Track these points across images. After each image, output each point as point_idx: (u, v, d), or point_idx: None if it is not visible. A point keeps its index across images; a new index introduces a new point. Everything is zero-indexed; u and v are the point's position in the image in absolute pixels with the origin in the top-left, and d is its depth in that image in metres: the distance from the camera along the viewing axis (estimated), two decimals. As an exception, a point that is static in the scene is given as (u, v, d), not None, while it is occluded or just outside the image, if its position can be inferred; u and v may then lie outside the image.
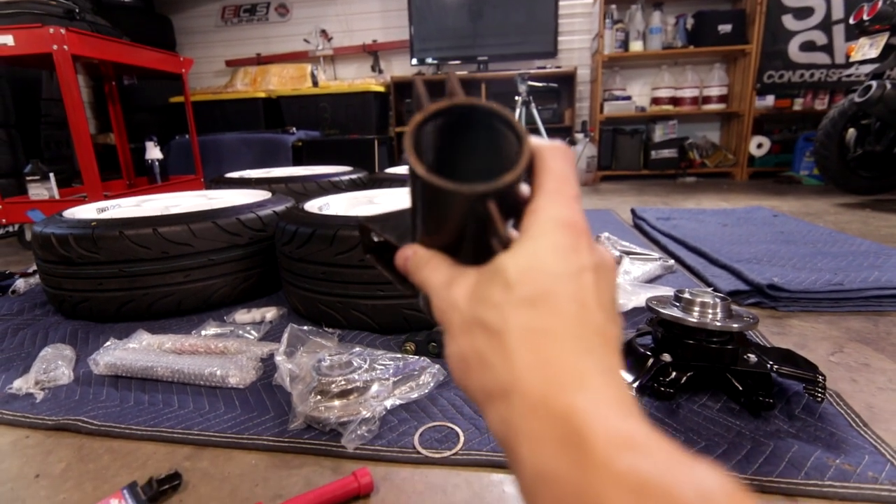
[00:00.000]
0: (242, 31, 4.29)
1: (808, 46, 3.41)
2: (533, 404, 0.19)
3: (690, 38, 3.56)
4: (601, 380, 0.19)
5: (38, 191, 2.25)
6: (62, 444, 0.77)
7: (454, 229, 0.26)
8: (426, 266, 0.27)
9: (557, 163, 0.25)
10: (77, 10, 2.26)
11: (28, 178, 2.28)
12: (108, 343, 1.02)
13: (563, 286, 0.21)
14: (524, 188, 0.26)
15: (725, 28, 3.45)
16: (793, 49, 3.43)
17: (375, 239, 0.36)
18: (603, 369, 0.20)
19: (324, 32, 4.02)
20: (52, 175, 2.27)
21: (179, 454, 0.73)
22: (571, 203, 0.24)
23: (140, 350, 0.98)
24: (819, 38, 3.38)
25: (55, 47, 1.94)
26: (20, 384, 0.89)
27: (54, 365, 0.94)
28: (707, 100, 3.71)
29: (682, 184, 3.58)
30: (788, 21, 3.39)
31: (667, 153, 3.76)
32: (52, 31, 1.93)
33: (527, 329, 0.21)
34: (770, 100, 3.50)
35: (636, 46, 3.60)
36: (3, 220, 2.20)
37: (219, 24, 4.30)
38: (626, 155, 3.82)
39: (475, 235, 0.26)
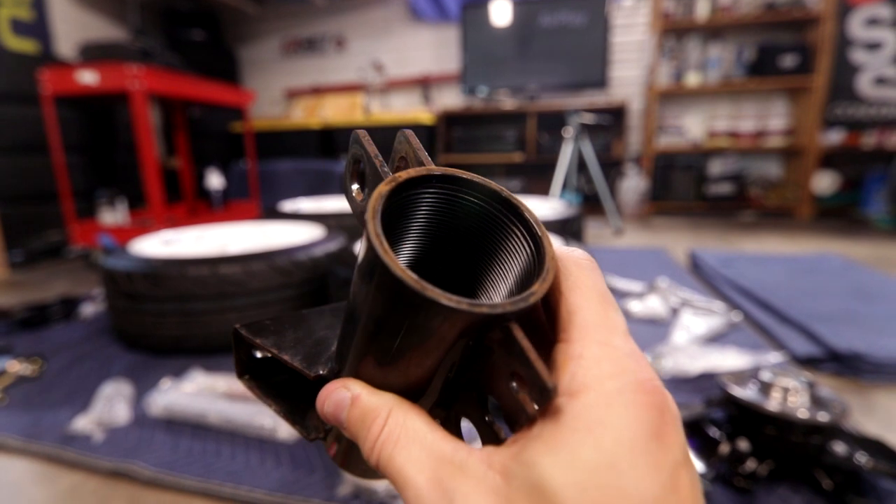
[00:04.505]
0: (301, 62, 4.48)
1: (879, 81, 3.22)
2: None
3: (751, 70, 3.43)
4: None
5: (109, 216, 2.39)
6: (117, 493, 0.78)
7: (431, 364, 0.18)
8: (387, 432, 0.17)
9: (591, 277, 0.17)
10: (152, 50, 2.42)
11: (100, 202, 2.42)
12: (164, 382, 1.04)
13: None
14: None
15: (789, 60, 3.31)
16: (863, 83, 3.25)
17: (259, 355, 0.25)
18: None
19: (377, 65, 4.14)
20: (121, 202, 2.41)
21: (228, 514, 0.73)
22: (631, 345, 0.16)
23: (194, 393, 0.99)
24: (891, 72, 3.19)
25: (132, 84, 2.08)
26: (82, 424, 0.92)
27: (114, 403, 0.97)
28: (768, 133, 3.55)
29: (740, 222, 3.41)
30: (857, 54, 3.22)
31: (724, 188, 3.61)
32: (130, 69, 2.07)
33: None
34: (837, 135, 3.31)
35: (692, 78, 3.50)
36: (77, 243, 2.35)
37: (280, 55, 4.51)
38: (679, 189, 3.69)
39: (461, 374, 0.18)
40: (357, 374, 0.19)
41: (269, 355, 0.23)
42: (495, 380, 0.17)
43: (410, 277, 0.14)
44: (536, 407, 0.16)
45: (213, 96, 2.68)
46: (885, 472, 0.71)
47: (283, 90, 4.55)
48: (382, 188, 0.16)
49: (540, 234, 0.17)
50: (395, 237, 0.18)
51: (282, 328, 0.23)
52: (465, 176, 0.18)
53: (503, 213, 0.18)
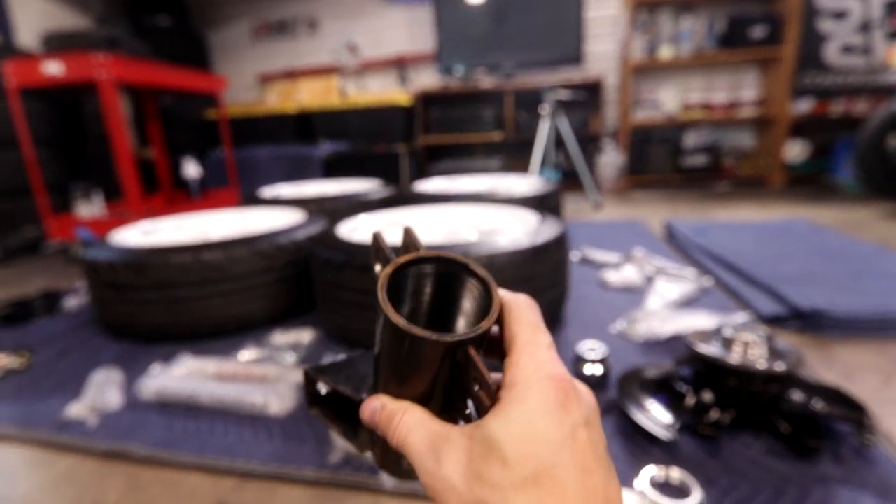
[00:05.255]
0: (273, 46, 4.40)
1: (846, 49, 3.29)
2: None
3: (722, 42, 3.48)
4: None
5: (85, 209, 2.35)
6: (114, 473, 0.81)
7: (429, 379, 0.26)
8: (401, 422, 0.26)
9: (526, 312, 0.26)
10: (119, 38, 2.36)
11: (75, 196, 2.39)
12: (154, 368, 1.06)
13: (562, 456, 0.21)
14: (494, 329, 0.27)
15: (759, 31, 3.36)
16: (830, 52, 3.32)
17: (323, 391, 0.35)
18: None
19: (351, 46, 4.09)
20: (97, 194, 2.37)
21: (225, 486, 0.76)
22: (551, 353, 0.24)
23: (184, 376, 1.01)
24: (857, 40, 3.26)
25: (100, 74, 2.03)
26: (75, 410, 0.94)
27: (106, 390, 0.98)
28: (741, 104, 3.62)
29: (715, 192, 3.49)
30: (825, 23, 3.28)
31: (699, 160, 3.68)
32: (96, 58, 2.03)
33: None
34: (806, 104, 3.39)
35: (665, 52, 3.53)
36: (55, 238, 2.31)
37: (251, 39, 4.42)
38: (655, 162, 3.75)
39: (451, 384, 0.26)
40: (385, 392, 0.28)
41: (329, 389, 0.34)
42: (467, 386, 0.25)
43: (403, 322, 0.23)
44: (489, 400, 0.23)
45: (184, 83, 2.64)
46: (839, 416, 0.76)
47: (255, 75, 4.47)
48: (388, 269, 0.25)
49: (490, 285, 0.26)
50: (400, 295, 0.26)
51: (337, 369, 0.33)
52: (438, 255, 0.27)
53: (465, 274, 0.27)
